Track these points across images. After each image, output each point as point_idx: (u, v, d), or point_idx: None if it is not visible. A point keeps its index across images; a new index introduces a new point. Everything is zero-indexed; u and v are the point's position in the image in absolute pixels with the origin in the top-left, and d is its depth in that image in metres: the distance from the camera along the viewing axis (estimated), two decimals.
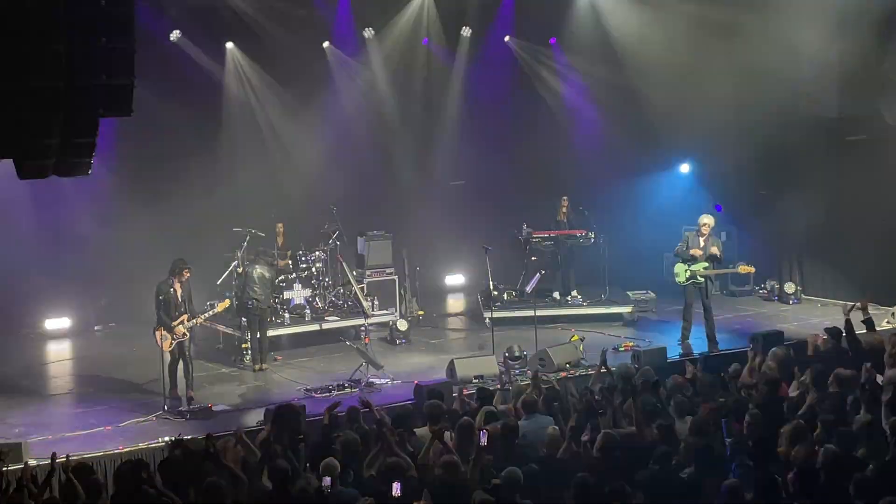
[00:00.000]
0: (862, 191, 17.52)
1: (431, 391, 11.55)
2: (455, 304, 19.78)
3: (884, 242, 17.53)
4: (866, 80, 16.92)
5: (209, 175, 17.96)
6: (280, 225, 17.52)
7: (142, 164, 17.79)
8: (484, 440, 9.08)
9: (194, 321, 14.00)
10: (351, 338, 16.35)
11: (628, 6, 18.83)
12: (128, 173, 17.67)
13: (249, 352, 15.55)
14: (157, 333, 13.75)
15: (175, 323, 13.72)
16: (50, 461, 9.73)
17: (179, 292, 13.88)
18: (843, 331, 12.28)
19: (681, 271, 15.51)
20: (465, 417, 10.12)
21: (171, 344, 13.74)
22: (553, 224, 18.17)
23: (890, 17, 16.38)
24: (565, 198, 18.25)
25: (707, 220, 15.45)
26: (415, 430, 10.32)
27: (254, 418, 12.64)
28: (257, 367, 15.30)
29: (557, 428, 9.92)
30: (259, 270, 15.47)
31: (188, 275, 13.99)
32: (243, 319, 15.67)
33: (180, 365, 14.02)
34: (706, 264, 15.36)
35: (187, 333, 13.86)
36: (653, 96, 18.86)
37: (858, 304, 12.79)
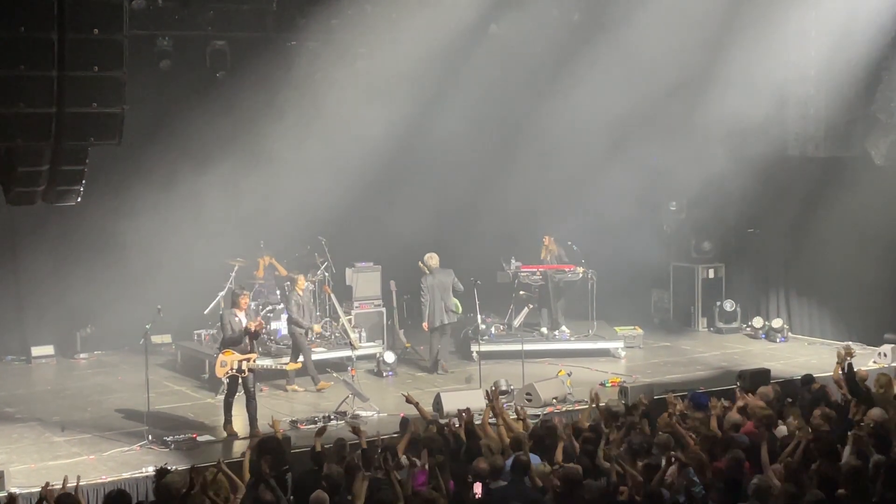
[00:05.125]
0: (849, 230, 17.58)
1: (432, 422, 11.53)
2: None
3: (870, 282, 17.59)
4: (854, 120, 17.01)
5: (196, 203, 17.90)
6: (263, 259, 17.63)
7: (128, 192, 17.75)
8: (478, 492, 9.09)
9: (256, 364, 13.78)
10: (338, 370, 16.31)
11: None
12: (113, 201, 17.63)
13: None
14: (219, 359, 13.62)
15: (242, 357, 13.48)
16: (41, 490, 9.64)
17: (245, 323, 13.68)
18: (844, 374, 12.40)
19: None
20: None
21: (227, 373, 13.51)
22: (538, 262, 18.22)
23: (878, 57, 16.48)
24: (547, 237, 18.29)
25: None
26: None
27: (238, 449, 12.56)
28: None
29: (547, 465, 9.89)
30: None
31: (247, 301, 13.95)
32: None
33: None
34: None
35: (249, 372, 13.55)
36: (642, 133, 18.95)
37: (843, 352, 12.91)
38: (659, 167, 19.18)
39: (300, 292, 15.86)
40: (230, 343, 13.57)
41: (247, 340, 13.63)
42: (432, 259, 17.04)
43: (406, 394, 12.51)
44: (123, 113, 8.26)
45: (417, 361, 17.58)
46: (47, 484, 9.63)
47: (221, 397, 15.24)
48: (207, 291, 17.12)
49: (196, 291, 17.21)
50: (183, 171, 17.78)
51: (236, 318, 13.64)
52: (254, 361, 13.64)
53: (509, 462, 9.85)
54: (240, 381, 13.49)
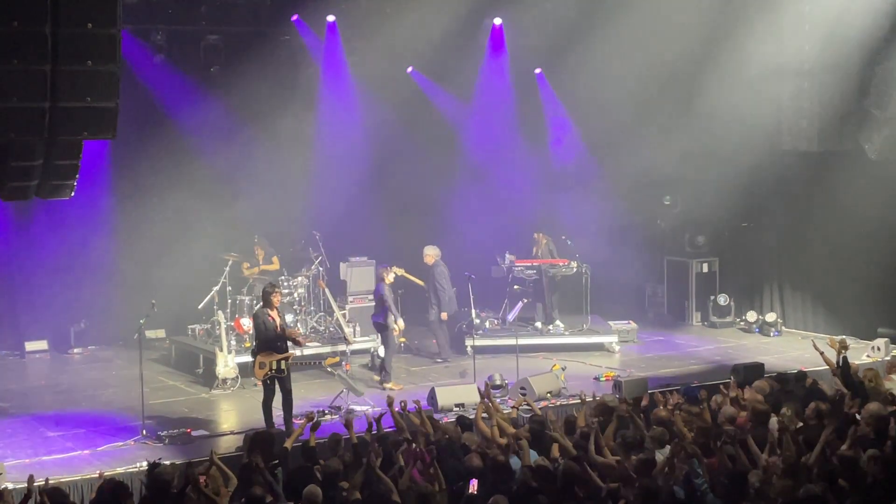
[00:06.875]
0: (843, 225, 17.61)
1: (428, 417, 11.52)
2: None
3: (864, 276, 17.62)
4: (848, 115, 17.02)
5: (190, 197, 17.89)
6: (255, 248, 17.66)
7: (123, 189, 17.75)
8: (473, 488, 9.10)
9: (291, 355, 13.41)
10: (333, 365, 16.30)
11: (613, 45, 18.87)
12: (109, 197, 17.63)
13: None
14: (257, 360, 13.18)
15: (280, 357, 13.04)
16: (27, 484, 9.63)
17: (278, 321, 13.24)
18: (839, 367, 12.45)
19: None
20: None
21: (267, 374, 13.02)
22: (531, 257, 18.23)
23: (871, 51, 16.49)
24: (537, 233, 18.27)
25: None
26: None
27: (232, 444, 12.56)
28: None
29: (545, 459, 9.91)
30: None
31: (279, 299, 13.50)
32: None
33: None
34: None
35: (286, 371, 13.15)
36: (636, 128, 18.96)
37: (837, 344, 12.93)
38: (653, 161, 19.19)
39: (389, 283, 15.82)
40: (266, 344, 13.13)
41: (281, 336, 13.24)
42: (435, 250, 17.06)
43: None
44: (118, 107, 8.23)
45: (414, 356, 17.59)
46: (31, 478, 9.60)
47: (216, 392, 15.29)
48: (201, 286, 17.08)
49: (190, 286, 17.20)
50: (176, 165, 17.79)
51: (270, 318, 13.24)
52: (290, 360, 13.25)
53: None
54: (276, 381, 13.12)
